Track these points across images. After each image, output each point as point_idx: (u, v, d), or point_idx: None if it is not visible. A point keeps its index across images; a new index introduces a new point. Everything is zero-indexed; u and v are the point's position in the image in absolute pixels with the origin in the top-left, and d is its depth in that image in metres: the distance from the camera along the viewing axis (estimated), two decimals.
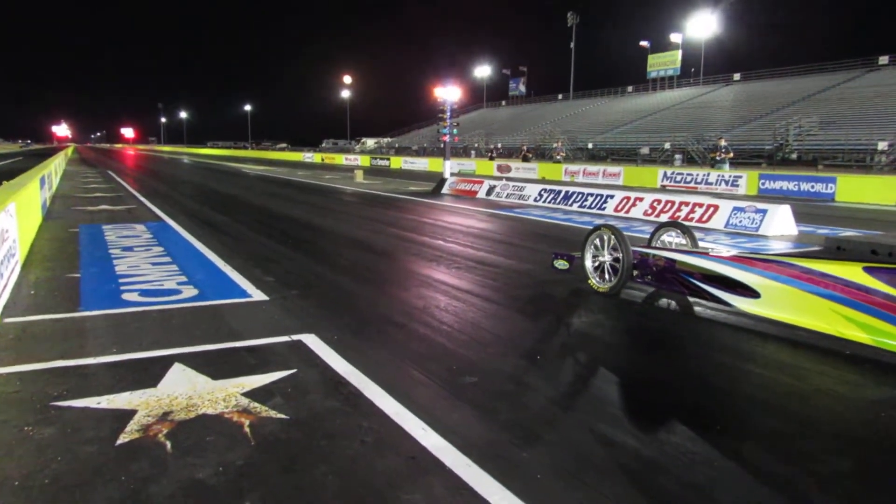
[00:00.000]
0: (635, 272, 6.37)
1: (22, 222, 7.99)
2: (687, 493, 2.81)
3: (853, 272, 4.55)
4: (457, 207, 16.31)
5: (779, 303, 5.05)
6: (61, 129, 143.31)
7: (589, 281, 6.66)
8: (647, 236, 7.69)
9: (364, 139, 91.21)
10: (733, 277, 5.39)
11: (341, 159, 56.87)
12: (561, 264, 7.15)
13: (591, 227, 6.95)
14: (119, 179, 25.91)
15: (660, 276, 6.18)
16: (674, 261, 6.04)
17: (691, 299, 6.09)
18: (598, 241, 6.68)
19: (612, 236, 6.47)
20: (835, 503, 2.80)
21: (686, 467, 3.02)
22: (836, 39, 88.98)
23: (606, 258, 6.55)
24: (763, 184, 21.38)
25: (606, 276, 6.54)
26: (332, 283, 7.28)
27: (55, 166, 21.96)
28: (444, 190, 20.87)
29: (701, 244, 6.99)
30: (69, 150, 62.25)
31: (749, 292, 5.26)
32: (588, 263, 6.75)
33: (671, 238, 7.14)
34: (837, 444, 3.36)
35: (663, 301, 6.37)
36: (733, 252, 5.98)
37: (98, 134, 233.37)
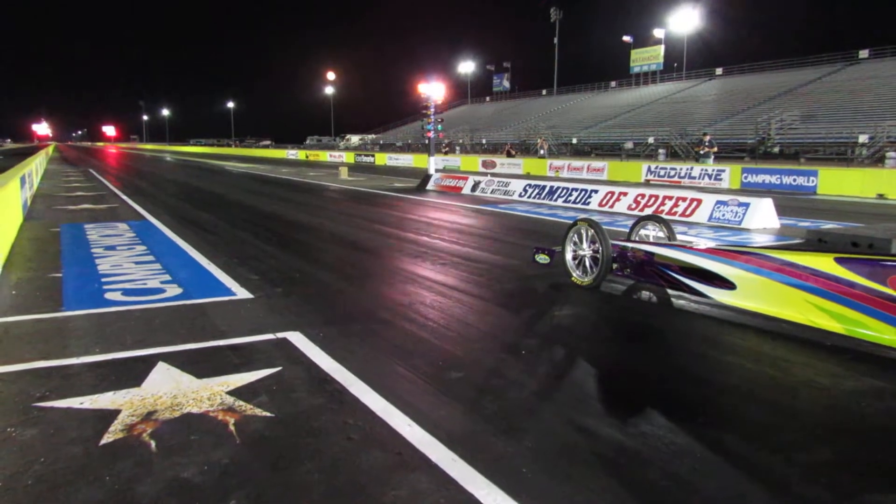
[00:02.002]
0: (615, 265, 6.43)
1: (2, 222, 7.90)
2: (670, 485, 2.85)
3: (825, 263, 4.63)
4: (441, 203, 16.32)
5: (754, 294, 5.12)
6: (42, 128, 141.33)
7: (572, 277, 6.71)
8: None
9: (348, 136, 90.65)
10: (710, 269, 5.46)
11: (326, 156, 56.61)
12: (542, 259, 7.19)
13: (570, 222, 7.00)
14: (101, 178, 25.65)
15: (639, 269, 6.24)
16: (652, 254, 6.11)
17: (671, 292, 6.15)
18: (576, 236, 6.74)
19: (591, 230, 6.53)
20: (817, 492, 2.84)
21: (669, 459, 3.06)
22: (816, 33, 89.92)
23: (586, 252, 6.60)
24: (746, 177, 21.60)
25: (587, 270, 6.59)
26: (317, 280, 7.27)
27: (36, 165, 21.68)
28: (429, 186, 20.87)
29: (683, 238, 7.06)
30: (50, 149, 61.50)
31: (725, 284, 5.33)
32: (568, 257, 6.81)
33: (650, 231, 7.22)
34: (819, 434, 3.41)
35: (644, 294, 6.43)
36: (710, 245, 6.05)
37: (79, 132, 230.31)
